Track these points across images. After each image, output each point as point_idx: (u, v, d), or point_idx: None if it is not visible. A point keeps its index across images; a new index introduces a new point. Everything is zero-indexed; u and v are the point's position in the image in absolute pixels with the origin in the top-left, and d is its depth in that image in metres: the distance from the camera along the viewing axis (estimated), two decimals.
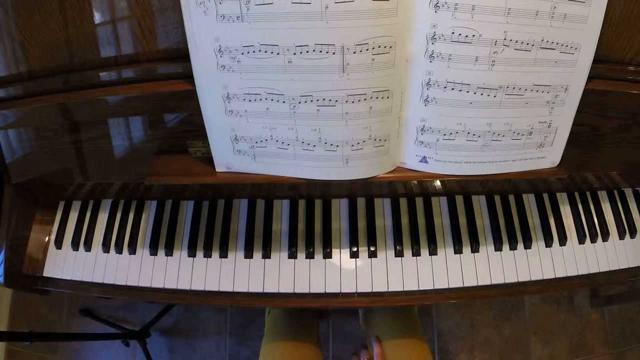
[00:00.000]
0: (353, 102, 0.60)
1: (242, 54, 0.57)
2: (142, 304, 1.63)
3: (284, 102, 0.60)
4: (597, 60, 0.60)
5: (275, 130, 0.63)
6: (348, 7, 0.52)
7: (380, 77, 0.59)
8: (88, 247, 0.88)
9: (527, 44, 0.57)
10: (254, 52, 0.57)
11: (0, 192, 0.85)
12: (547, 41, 0.57)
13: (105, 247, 0.87)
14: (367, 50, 0.56)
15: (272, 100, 0.60)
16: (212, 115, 0.64)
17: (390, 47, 0.57)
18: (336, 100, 0.59)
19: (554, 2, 0.55)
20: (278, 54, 0.56)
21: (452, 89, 0.60)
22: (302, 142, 0.64)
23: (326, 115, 0.61)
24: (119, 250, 0.87)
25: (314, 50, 0.55)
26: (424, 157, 0.67)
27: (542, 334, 1.58)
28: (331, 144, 0.64)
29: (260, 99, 0.61)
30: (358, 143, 0.64)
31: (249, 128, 0.64)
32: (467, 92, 0.60)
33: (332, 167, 0.66)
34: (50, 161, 0.78)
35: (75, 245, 0.88)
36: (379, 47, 0.56)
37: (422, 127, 0.64)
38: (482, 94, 0.60)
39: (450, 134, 0.64)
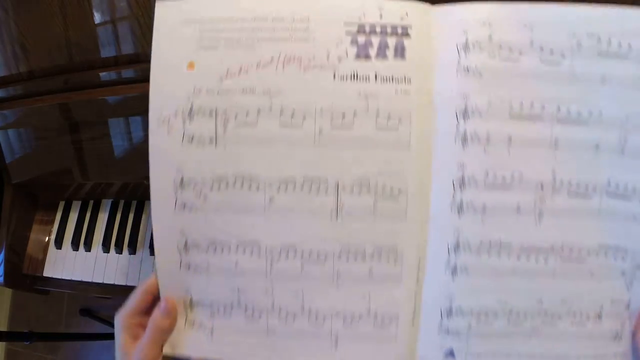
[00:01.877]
0: (347, 259, 0.46)
1: (211, 188, 0.45)
2: None
3: (259, 255, 0.46)
4: None
5: (244, 293, 0.47)
6: (346, 135, 0.44)
7: (385, 231, 0.45)
8: (88, 247, 0.88)
9: (586, 187, 0.43)
10: (226, 186, 0.45)
11: (0, 192, 0.85)
12: (615, 183, 0.43)
13: (105, 247, 0.87)
14: (367, 191, 0.44)
15: (244, 252, 0.46)
16: (164, 270, 0.48)
17: (399, 190, 0.44)
18: (325, 255, 0.46)
19: (623, 130, 0.42)
20: (257, 189, 0.45)
21: (488, 253, 0.44)
22: (280, 311, 0.47)
23: (312, 274, 0.46)
24: (119, 250, 0.87)
25: (302, 186, 0.45)
26: (451, 349, 0.47)
27: None
28: (316, 315, 0.47)
29: (229, 250, 0.46)
30: (352, 317, 0.46)
31: (209, 289, 0.48)
32: (508, 255, 0.44)
33: (315, 348, 0.47)
34: (50, 161, 0.78)
35: (75, 245, 0.88)
36: (384, 188, 0.44)
37: (449, 308, 0.45)
38: (527, 258, 0.45)
39: (487, 315, 0.45)
